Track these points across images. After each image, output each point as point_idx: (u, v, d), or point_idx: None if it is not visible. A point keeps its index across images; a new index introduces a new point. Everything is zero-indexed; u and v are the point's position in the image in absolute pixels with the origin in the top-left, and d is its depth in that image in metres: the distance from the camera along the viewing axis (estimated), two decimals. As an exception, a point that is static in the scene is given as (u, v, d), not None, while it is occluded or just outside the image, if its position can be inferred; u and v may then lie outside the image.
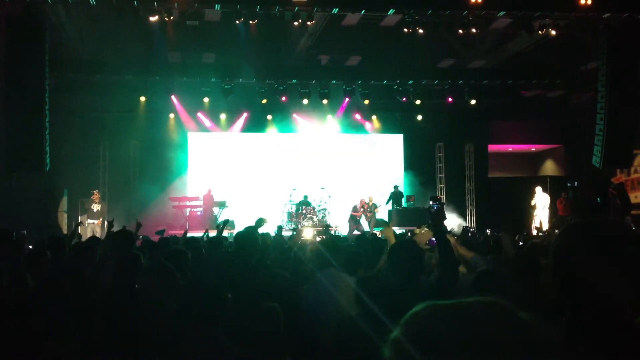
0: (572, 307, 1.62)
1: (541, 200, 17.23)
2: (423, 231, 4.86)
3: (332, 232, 13.03)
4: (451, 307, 0.95)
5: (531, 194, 17.62)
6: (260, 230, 6.38)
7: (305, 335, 3.83)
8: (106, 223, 16.69)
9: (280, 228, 11.73)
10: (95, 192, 16.43)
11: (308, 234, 6.67)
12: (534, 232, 14.40)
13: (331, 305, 3.75)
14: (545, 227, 16.66)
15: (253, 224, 6.43)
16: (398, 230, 13.96)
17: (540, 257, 4.07)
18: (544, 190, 17.95)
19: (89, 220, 15.96)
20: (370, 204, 17.83)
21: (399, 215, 17.94)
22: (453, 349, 0.89)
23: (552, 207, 17.74)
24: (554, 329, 0.97)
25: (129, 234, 5.83)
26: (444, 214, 3.82)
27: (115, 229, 7.38)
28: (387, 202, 18.52)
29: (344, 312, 3.34)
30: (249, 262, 4.41)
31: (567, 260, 1.65)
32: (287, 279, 4.53)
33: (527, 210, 17.45)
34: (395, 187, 18.74)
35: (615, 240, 1.62)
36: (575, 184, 17.03)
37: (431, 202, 3.72)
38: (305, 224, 17.24)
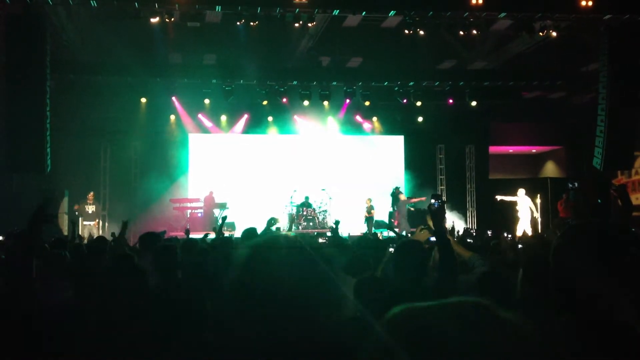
0: (572, 308, 1.62)
1: (524, 203, 17.06)
2: (421, 231, 4.84)
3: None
4: (429, 309, 0.93)
5: (514, 196, 17.51)
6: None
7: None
8: (102, 224, 16.87)
9: (278, 229, 11.73)
10: (89, 194, 16.45)
11: None
12: (519, 234, 14.38)
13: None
14: (528, 229, 16.50)
15: (251, 224, 6.43)
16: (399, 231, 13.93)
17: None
18: (538, 192, 17.89)
19: (85, 222, 15.97)
20: (368, 205, 17.83)
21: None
22: (432, 352, 0.87)
23: (541, 208, 17.66)
24: (538, 328, 0.95)
25: (156, 234, 5.94)
26: (445, 213, 3.79)
27: (114, 230, 7.38)
28: (392, 205, 18.53)
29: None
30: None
31: (568, 261, 1.64)
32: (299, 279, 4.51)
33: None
34: (396, 188, 18.74)
35: (615, 242, 1.62)
36: (576, 184, 16.97)
37: (432, 200, 3.69)
38: (306, 225, 17.25)
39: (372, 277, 4.09)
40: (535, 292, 3.60)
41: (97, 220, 16.27)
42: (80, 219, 16.30)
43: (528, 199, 17.00)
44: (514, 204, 17.14)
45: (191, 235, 10.49)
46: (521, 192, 17.08)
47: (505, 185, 18.79)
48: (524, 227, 16.55)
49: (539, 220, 17.27)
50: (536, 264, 3.87)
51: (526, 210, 16.91)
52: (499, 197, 17.36)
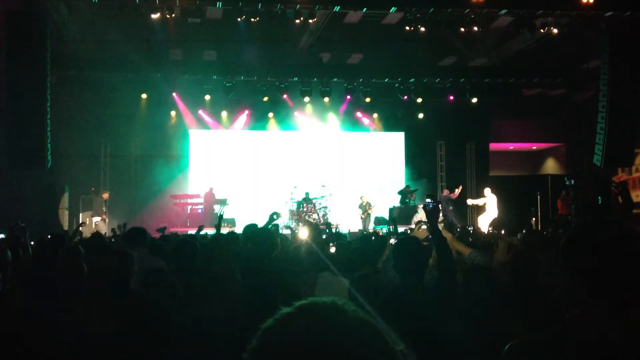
0: (578, 304, 1.63)
1: (491, 201, 17.03)
2: (419, 229, 4.86)
3: (335, 230, 12.95)
4: (291, 316, 0.97)
5: (480, 194, 17.52)
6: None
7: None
8: (102, 225, 16.93)
9: (276, 226, 11.69)
10: (105, 193, 16.65)
11: (303, 234, 6.65)
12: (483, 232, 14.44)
13: None
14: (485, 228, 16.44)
15: (251, 220, 6.43)
16: (401, 228, 13.91)
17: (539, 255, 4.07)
18: (538, 189, 17.92)
19: (97, 218, 16.13)
20: (365, 203, 17.77)
21: (400, 213, 17.94)
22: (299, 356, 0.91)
23: (541, 205, 17.65)
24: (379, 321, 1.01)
25: (142, 230, 5.90)
26: (439, 212, 3.80)
27: (114, 226, 7.39)
28: (401, 202, 18.49)
29: None
30: (265, 258, 4.41)
31: (577, 258, 1.66)
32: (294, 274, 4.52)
33: (526, 208, 17.34)
34: (407, 185, 18.75)
35: (620, 240, 1.64)
36: (573, 182, 16.95)
37: (427, 200, 3.70)
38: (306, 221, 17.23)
39: (370, 273, 4.10)
40: (524, 288, 3.62)
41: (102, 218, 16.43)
42: (82, 214, 16.45)
43: (494, 197, 17.00)
44: (482, 207, 17.22)
45: (191, 232, 10.51)
46: (487, 191, 17.12)
47: (505, 182, 18.82)
48: (487, 223, 16.55)
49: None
50: (524, 262, 3.89)
51: (493, 208, 16.89)
52: (469, 201, 17.71)
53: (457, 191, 17.89)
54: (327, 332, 0.92)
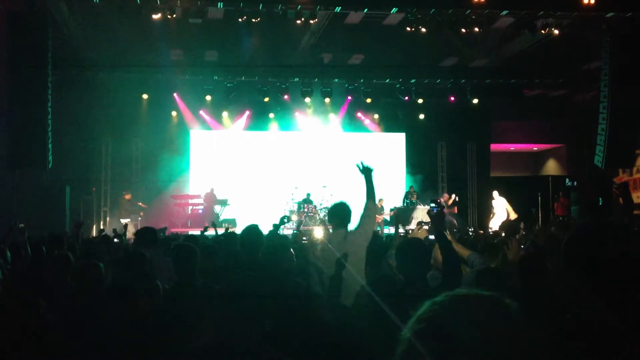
0: (578, 305, 1.63)
1: (500, 204, 17.06)
2: (419, 230, 4.88)
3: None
4: (451, 303, 1.00)
5: (490, 198, 17.61)
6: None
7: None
8: (103, 220, 16.97)
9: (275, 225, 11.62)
10: (128, 194, 16.80)
11: (318, 233, 6.59)
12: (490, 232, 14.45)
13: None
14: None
15: (252, 221, 6.42)
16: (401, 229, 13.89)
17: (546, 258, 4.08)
18: (539, 190, 17.95)
19: (125, 220, 16.29)
20: (380, 205, 17.71)
21: (401, 213, 17.92)
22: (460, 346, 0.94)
23: (542, 206, 17.66)
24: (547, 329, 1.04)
25: (153, 230, 5.87)
26: (444, 217, 3.88)
27: (115, 226, 7.38)
28: (404, 203, 18.45)
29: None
30: (254, 258, 4.40)
31: (578, 260, 1.66)
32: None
33: (527, 210, 17.36)
34: (411, 187, 18.73)
35: (622, 241, 1.64)
36: (574, 183, 16.92)
37: (431, 205, 3.77)
38: (307, 222, 17.23)
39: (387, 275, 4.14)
40: (530, 289, 3.63)
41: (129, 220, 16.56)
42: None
43: (503, 199, 17.01)
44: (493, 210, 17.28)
45: (191, 232, 10.52)
46: (495, 194, 17.20)
47: (506, 183, 18.80)
48: (497, 224, 16.57)
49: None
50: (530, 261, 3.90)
51: (502, 210, 16.90)
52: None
53: (450, 201, 17.90)
54: (492, 323, 0.96)
